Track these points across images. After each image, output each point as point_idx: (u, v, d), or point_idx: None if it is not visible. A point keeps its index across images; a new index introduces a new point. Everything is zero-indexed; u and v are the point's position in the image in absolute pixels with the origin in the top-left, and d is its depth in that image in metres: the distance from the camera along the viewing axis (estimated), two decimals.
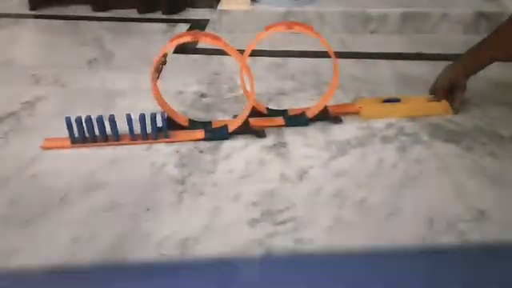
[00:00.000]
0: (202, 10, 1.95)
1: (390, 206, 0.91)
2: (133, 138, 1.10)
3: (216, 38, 1.09)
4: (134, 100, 1.27)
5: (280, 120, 1.17)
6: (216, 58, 1.52)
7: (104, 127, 1.09)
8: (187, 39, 1.08)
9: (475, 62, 1.16)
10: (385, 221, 0.88)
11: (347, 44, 1.62)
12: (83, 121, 1.08)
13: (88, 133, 1.09)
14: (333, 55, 1.11)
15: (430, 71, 1.29)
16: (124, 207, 0.92)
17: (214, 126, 1.15)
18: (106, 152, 1.08)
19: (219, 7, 1.75)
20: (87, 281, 0.79)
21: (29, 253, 0.83)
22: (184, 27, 1.80)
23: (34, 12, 1.98)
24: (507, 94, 1.27)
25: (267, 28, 1.13)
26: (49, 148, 1.09)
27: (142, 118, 1.08)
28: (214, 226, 0.88)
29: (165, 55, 1.10)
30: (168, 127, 1.12)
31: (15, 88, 1.37)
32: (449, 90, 1.18)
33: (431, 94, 1.21)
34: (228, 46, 1.07)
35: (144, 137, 1.10)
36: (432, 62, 1.46)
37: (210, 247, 0.83)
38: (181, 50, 1.50)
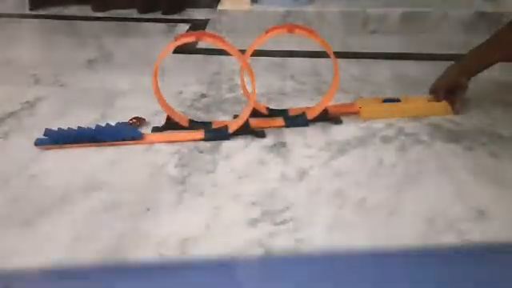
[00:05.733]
0: (202, 9, 1.95)
1: (390, 206, 0.91)
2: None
3: (218, 38, 1.09)
4: (134, 100, 1.27)
5: (280, 121, 1.17)
6: (216, 58, 1.52)
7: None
8: (191, 39, 1.09)
9: (478, 62, 1.15)
10: (385, 221, 0.88)
11: (347, 44, 1.62)
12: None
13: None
14: (334, 58, 1.10)
15: (430, 71, 1.29)
16: (124, 207, 0.92)
17: (214, 127, 1.15)
18: (106, 152, 1.08)
19: (219, 7, 1.75)
20: (87, 281, 0.79)
21: (29, 253, 0.83)
22: (184, 27, 1.80)
23: (33, 12, 1.98)
24: (507, 94, 1.27)
25: (268, 31, 1.12)
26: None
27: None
28: (213, 225, 0.88)
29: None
30: (167, 127, 1.12)
31: (15, 88, 1.37)
32: (450, 91, 1.18)
33: (431, 93, 1.21)
34: (230, 47, 1.07)
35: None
36: (432, 62, 1.46)
37: (210, 247, 0.83)
38: (181, 50, 1.50)
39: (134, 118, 1.18)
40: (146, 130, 1.15)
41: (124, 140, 1.10)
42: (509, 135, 1.10)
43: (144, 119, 1.19)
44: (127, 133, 1.11)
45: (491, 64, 1.15)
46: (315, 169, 1.02)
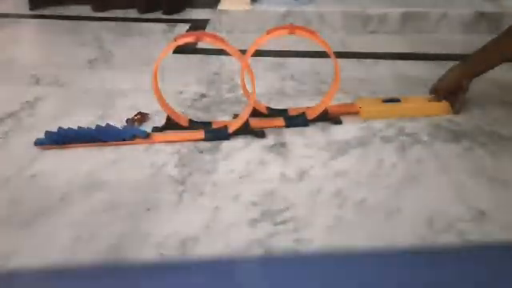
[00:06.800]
0: (202, 10, 1.95)
1: (390, 205, 0.91)
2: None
3: (218, 38, 1.09)
4: (134, 100, 1.27)
5: (280, 121, 1.17)
6: (216, 58, 1.52)
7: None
8: (190, 39, 1.09)
9: (482, 64, 1.15)
10: (385, 221, 0.88)
11: (347, 44, 1.62)
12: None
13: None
14: (335, 59, 1.10)
15: (430, 71, 1.29)
16: (124, 207, 0.92)
17: (214, 127, 1.15)
18: (106, 152, 1.08)
19: (219, 7, 1.75)
20: (87, 281, 0.79)
21: (29, 253, 0.83)
22: (184, 27, 1.80)
23: (33, 12, 1.98)
24: (507, 94, 1.27)
25: (269, 32, 1.12)
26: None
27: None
28: (214, 225, 0.88)
29: None
30: (167, 127, 1.13)
31: (15, 88, 1.37)
32: (451, 91, 1.18)
33: (432, 93, 1.21)
34: (230, 47, 1.08)
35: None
36: (432, 62, 1.46)
37: (210, 247, 0.83)
38: (181, 50, 1.50)
39: (138, 114, 1.19)
40: (149, 126, 1.16)
41: (124, 140, 1.10)
42: (509, 135, 1.10)
43: (147, 114, 1.20)
44: (131, 132, 1.11)
45: (495, 65, 1.14)
46: (315, 169, 1.02)
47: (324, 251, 0.83)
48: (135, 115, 1.19)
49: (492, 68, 1.14)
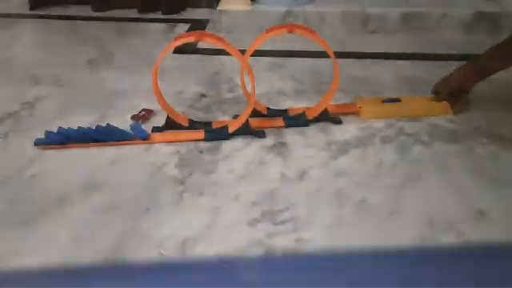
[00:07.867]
0: (202, 9, 1.95)
1: (390, 206, 0.91)
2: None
3: (218, 38, 1.09)
4: (134, 100, 1.27)
5: (280, 121, 1.17)
6: (216, 58, 1.53)
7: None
8: (190, 39, 1.09)
9: (490, 66, 1.14)
10: (385, 221, 0.88)
11: (347, 44, 1.62)
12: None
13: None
14: (334, 59, 1.11)
15: (430, 71, 1.29)
16: (124, 207, 0.92)
17: (214, 127, 1.15)
18: (106, 152, 1.08)
19: (219, 7, 1.75)
20: (87, 281, 0.79)
21: (29, 253, 0.83)
22: (184, 27, 1.80)
23: (33, 12, 1.98)
24: (507, 94, 1.27)
25: (268, 31, 1.13)
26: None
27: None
28: (214, 225, 0.88)
29: None
30: (167, 127, 1.13)
31: (15, 88, 1.37)
32: (453, 92, 1.18)
33: (433, 94, 1.21)
34: (230, 47, 1.08)
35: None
36: (432, 62, 1.46)
37: (210, 247, 0.83)
38: (181, 50, 1.50)
39: (143, 110, 1.19)
40: (150, 125, 1.16)
41: (124, 140, 1.10)
42: (509, 135, 1.10)
43: (152, 111, 1.20)
44: (131, 133, 1.11)
45: (503, 68, 1.13)
46: (315, 169, 1.02)
47: (324, 251, 0.83)
48: (140, 112, 1.19)
49: (500, 70, 1.14)
